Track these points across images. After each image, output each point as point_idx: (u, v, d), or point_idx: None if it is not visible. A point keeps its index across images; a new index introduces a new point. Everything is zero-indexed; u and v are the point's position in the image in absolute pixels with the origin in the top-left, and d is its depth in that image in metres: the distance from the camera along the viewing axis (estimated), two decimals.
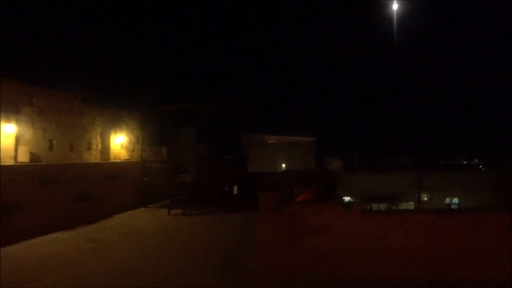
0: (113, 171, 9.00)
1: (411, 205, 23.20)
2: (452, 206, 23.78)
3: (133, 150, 11.19)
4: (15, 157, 6.75)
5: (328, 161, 22.38)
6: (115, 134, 10.22)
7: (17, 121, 6.94)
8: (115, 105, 10.21)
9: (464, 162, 38.13)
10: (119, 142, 10.37)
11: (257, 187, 4.63)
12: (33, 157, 7.24)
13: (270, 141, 23.24)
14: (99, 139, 9.65)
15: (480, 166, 32.78)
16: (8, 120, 6.64)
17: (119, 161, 10.06)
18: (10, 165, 6.35)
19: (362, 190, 22.45)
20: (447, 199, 23.72)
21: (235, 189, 11.46)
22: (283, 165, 23.30)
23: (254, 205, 5.07)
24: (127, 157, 10.63)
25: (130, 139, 11.07)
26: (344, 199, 22.82)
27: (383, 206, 22.19)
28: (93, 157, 9.45)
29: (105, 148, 9.82)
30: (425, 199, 23.06)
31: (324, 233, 3.92)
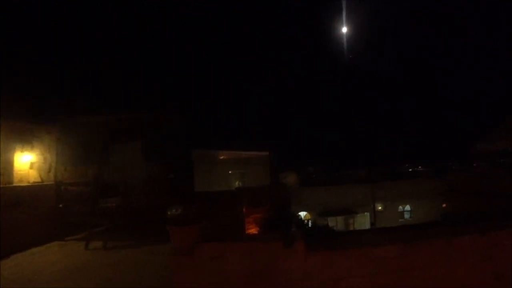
0: (13, 198, 7.09)
1: (367, 216, 23.31)
2: (405, 214, 24.44)
3: (49, 171, 9.26)
4: None
5: (283, 176, 21.63)
6: (21, 151, 8.32)
7: None
8: (22, 115, 8.31)
9: (410, 170, 40.14)
10: (28, 160, 8.46)
11: (167, 219, 3.41)
12: None
13: (222, 157, 21.95)
14: None
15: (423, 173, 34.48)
16: None
17: (25, 184, 8.13)
18: None
19: (318, 204, 22.01)
20: (400, 207, 24.27)
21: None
22: (237, 182, 22.13)
23: (202, 230, 3.80)
24: (39, 179, 8.69)
25: (45, 157, 9.14)
26: (300, 214, 22.16)
27: (340, 219, 21.92)
28: None
29: (6, 169, 7.85)
30: (380, 208, 23.29)
31: (258, 280, 2.77)
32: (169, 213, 4.37)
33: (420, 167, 39.08)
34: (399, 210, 24.14)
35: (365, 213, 23.31)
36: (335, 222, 21.54)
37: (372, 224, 21.39)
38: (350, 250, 3.15)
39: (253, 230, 12.84)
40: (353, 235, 15.06)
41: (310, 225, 20.59)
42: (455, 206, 19.26)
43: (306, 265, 2.86)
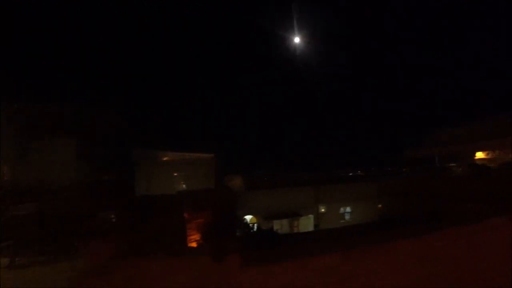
0: None
1: (311, 218, 23.78)
2: (346, 215, 25.48)
3: None
4: None
5: (229, 179, 21.09)
6: None
7: None
8: None
9: (350, 174, 42.60)
10: None
11: (88, 230, 2.77)
12: None
13: (167, 159, 20.75)
14: None
15: (363, 177, 36.71)
16: None
17: None
18: None
19: (264, 207, 21.86)
20: (341, 209, 25.23)
21: (113, 219, 8.91)
22: (182, 185, 21.10)
23: (131, 241, 3.11)
24: None
25: None
26: (246, 218, 21.84)
27: (285, 222, 21.99)
28: None
29: None
30: (323, 210, 23.93)
31: None
32: (93, 222, 3.63)
33: (359, 171, 41.59)
34: (340, 211, 25.06)
35: (309, 215, 23.76)
36: (280, 225, 21.56)
37: (315, 226, 21.84)
38: (291, 262, 2.85)
39: (195, 237, 12.11)
40: (296, 240, 15.12)
41: (255, 229, 20.39)
42: (389, 207, 20.64)
43: (243, 280, 2.43)
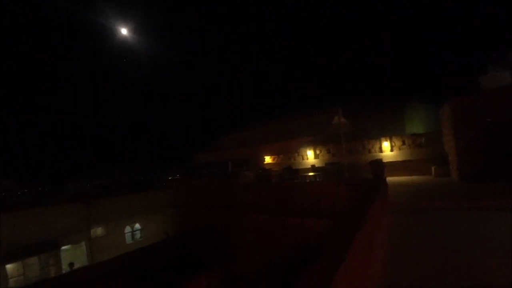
0: None
1: (82, 246, 17.30)
2: (135, 234, 20.50)
3: None
4: None
5: None
6: None
7: None
8: None
9: (135, 181, 37.27)
10: None
11: None
12: None
13: None
14: None
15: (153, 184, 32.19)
16: None
17: None
18: None
19: (3, 240, 13.69)
20: (128, 227, 20.06)
21: None
22: None
23: None
24: None
25: None
26: None
27: (33, 262, 14.55)
28: None
29: None
30: (100, 233, 17.97)
31: None
32: None
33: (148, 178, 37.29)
34: (126, 231, 19.86)
35: (81, 242, 17.26)
36: (21, 269, 14.06)
37: (70, 264, 14.79)
38: None
39: None
40: None
41: None
42: (181, 223, 17.59)
43: None
